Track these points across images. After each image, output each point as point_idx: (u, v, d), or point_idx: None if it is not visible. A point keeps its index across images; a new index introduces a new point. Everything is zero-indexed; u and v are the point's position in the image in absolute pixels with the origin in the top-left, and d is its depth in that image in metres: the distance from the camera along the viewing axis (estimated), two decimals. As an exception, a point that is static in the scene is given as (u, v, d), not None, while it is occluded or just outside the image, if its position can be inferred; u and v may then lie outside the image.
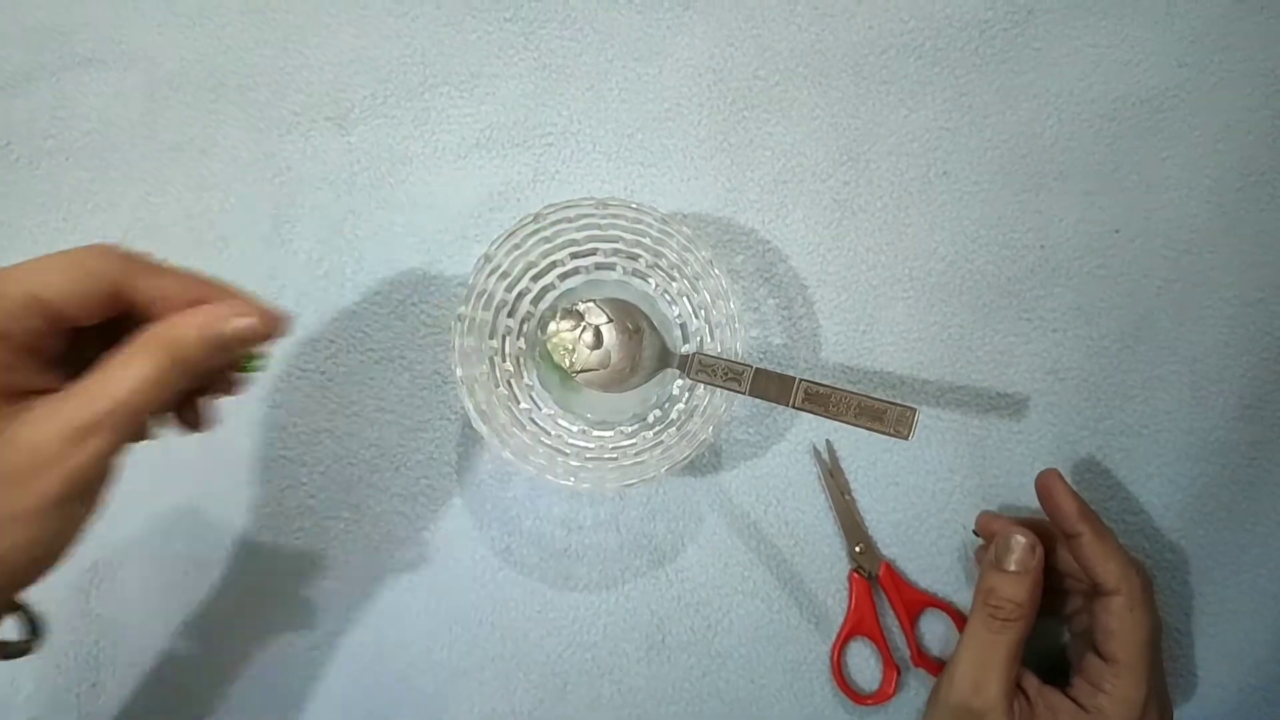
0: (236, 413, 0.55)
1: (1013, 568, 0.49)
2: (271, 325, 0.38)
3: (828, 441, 0.55)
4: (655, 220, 0.48)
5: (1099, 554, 0.48)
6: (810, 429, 0.55)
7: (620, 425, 0.53)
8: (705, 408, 0.50)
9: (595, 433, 0.52)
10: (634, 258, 0.51)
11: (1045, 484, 0.50)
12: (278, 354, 0.55)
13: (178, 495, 0.55)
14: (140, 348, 0.36)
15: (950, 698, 0.48)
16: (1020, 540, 0.49)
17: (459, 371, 0.48)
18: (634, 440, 0.52)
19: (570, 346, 0.49)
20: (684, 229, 0.48)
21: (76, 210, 0.56)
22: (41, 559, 0.36)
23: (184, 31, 0.56)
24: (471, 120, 0.56)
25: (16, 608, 0.40)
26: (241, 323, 0.38)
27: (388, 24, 0.56)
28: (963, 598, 0.55)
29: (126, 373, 0.35)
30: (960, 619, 0.54)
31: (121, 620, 0.55)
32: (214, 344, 0.37)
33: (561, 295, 0.52)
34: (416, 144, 0.56)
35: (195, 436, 0.54)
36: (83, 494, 0.36)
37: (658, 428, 0.52)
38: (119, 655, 0.54)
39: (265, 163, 0.56)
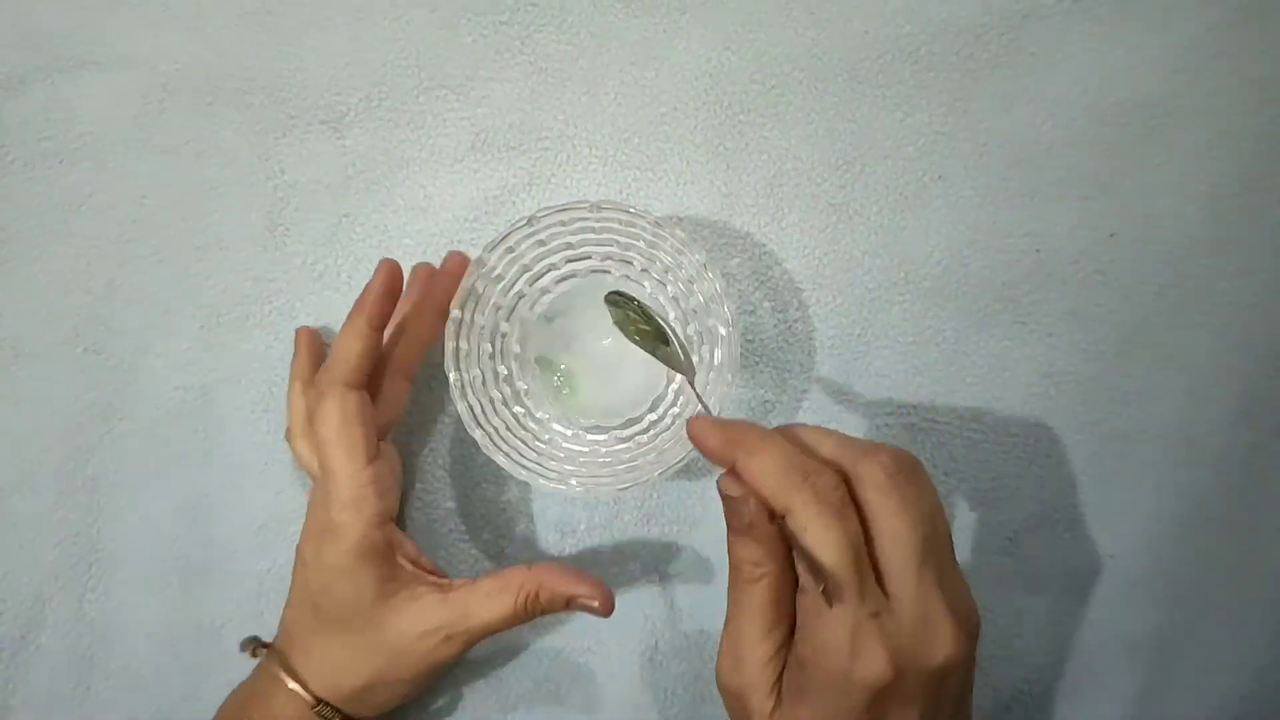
0: (232, 417, 0.55)
1: (733, 524, 0.41)
2: (606, 609, 0.48)
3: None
4: (649, 224, 0.48)
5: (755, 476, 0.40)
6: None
7: (614, 429, 0.52)
8: (699, 410, 0.50)
9: (589, 436, 0.52)
10: (628, 261, 0.51)
11: (691, 434, 0.42)
12: (275, 357, 0.55)
13: (173, 499, 0.55)
14: (509, 587, 0.48)
15: (719, 680, 0.42)
16: (727, 495, 0.41)
17: (452, 376, 0.48)
18: (628, 444, 0.51)
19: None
20: (678, 232, 0.48)
21: (72, 213, 0.56)
22: (404, 703, 0.50)
23: (180, 34, 0.56)
24: (467, 124, 0.56)
25: None
26: (589, 602, 0.48)
27: (383, 28, 0.56)
28: (958, 603, 0.55)
29: (493, 605, 0.47)
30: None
31: (116, 623, 0.54)
32: (562, 606, 0.48)
33: (562, 299, 0.52)
34: (412, 147, 0.56)
35: (196, 443, 0.55)
36: (436, 674, 0.49)
37: (652, 431, 0.51)
38: (113, 658, 0.54)
39: (261, 166, 0.56)
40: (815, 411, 0.55)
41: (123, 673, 0.54)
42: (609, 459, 0.51)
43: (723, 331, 0.49)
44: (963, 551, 0.55)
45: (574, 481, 0.48)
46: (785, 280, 0.56)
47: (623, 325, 0.48)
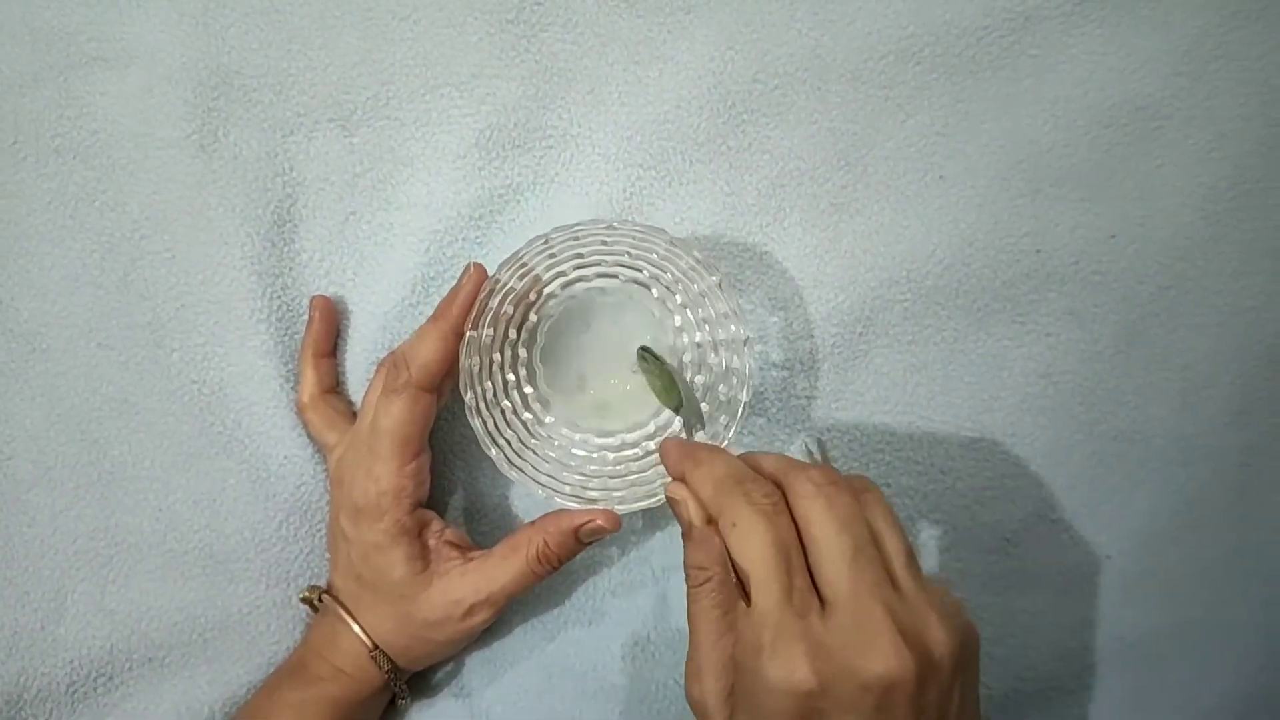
0: (249, 412, 0.56)
1: (682, 528, 0.43)
2: (613, 523, 0.50)
3: (819, 440, 0.56)
4: (663, 244, 0.49)
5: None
6: (801, 428, 0.56)
7: (622, 434, 0.53)
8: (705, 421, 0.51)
9: (596, 441, 0.53)
10: (637, 269, 0.52)
11: (660, 452, 0.46)
12: (282, 357, 0.56)
13: (193, 492, 0.56)
14: (518, 547, 0.51)
15: (686, 691, 0.41)
16: (671, 498, 0.43)
17: (467, 395, 0.49)
18: (636, 449, 0.52)
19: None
20: (695, 253, 0.49)
21: (83, 209, 0.57)
22: (443, 660, 0.56)
23: (189, 32, 0.57)
24: (472, 122, 0.57)
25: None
26: (595, 523, 0.50)
27: (391, 27, 0.57)
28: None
29: (508, 568, 0.51)
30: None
31: (138, 614, 0.56)
32: (574, 543, 0.50)
33: (564, 302, 0.53)
34: (418, 145, 0.57)
35: (213, 436, 0.55)
36: (469, 636, 0.53)
37: (659, 437, 0.52)
38: (135, 649, 0.55)
39: (268, 163, 0.57)
40: (816, 410, 0.56)
41: (146, 663, 0.55)
42: (620, 466, 0.52)
43: (735, 348, 0.50)
44: (959, 551, 0.56)
45: (585, 497, 0.50)
46: (786, 279, 0.56)
47: (649, 380, 0.52)
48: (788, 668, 0.37)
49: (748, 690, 0.38)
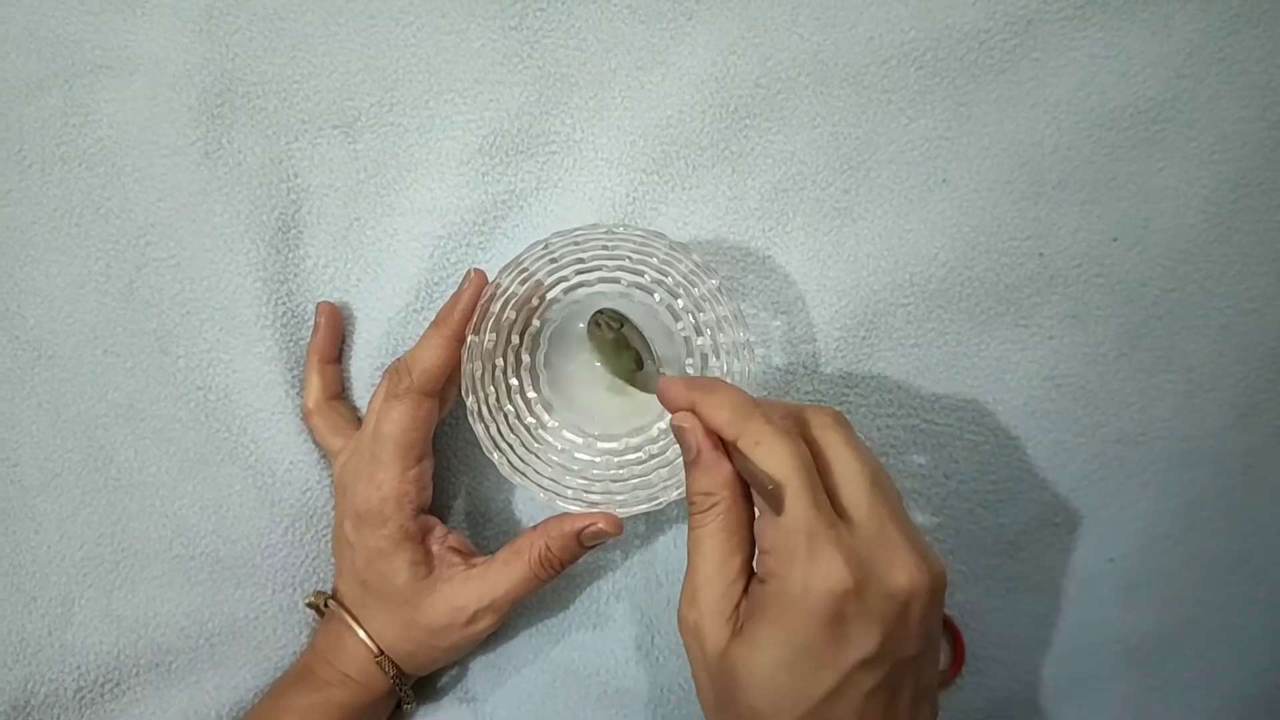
0: (254, 418, 0.56)
1: (686, 458, 0.44)
2: (615, 527, 0.50)
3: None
4: (664, 248, 0.49)
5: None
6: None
7: (626, 437, 0.54)
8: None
9: (600, 445, 0.53)
10: (639, 273, 0.52)
11: (659, 390, 0.45)
12: (288, 363, 0.56)
13: (200, 498, 0.56)
14: (520, 552, 0.51)
15: (679, 622, 0.43)
16: (678, 427, 0.44)
17: (469, 401, 0.50)
18: (639, 453, 0.52)
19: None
20: (695, 256, 0.49)
21: (89, 216, 0.57)
22: (448, 665, 0.56)
23: (194, 39, 0.57)
24: (475, 127, 0.57)
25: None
26: (597, 527, 0.50)
27: (395, 33, 0.57)
28: (955, 602, 0.56)
29: (511, 573, 0.51)
30: (952, 624, 0.55)
31: (143, 621, 0.56)
32: (576, 546, 0.50)
33: (567, 307, 0.53)
34: (421, 151, 0.57)
35: (219, 442, 0.56)
36: (474, 643, 0.53)
37: (661, 441, 0.52)
38: (142, 654, 0.56)
39: (273, 169, 0.57)
40: (818, 413, 0.56)
41: (153, 669, 0.56)
42: (622, 470, 0.52)
43: (737, 353, 0.50)
44: (963, 554, 0.56)
45: (587, 501, 0.50)
46: (789, 283, 0.56)
47: (602, 349, 0.51)
48: (827, 567, 0.38)
49: (777, 598, 0.39)
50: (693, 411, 0.43)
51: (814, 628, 0.38)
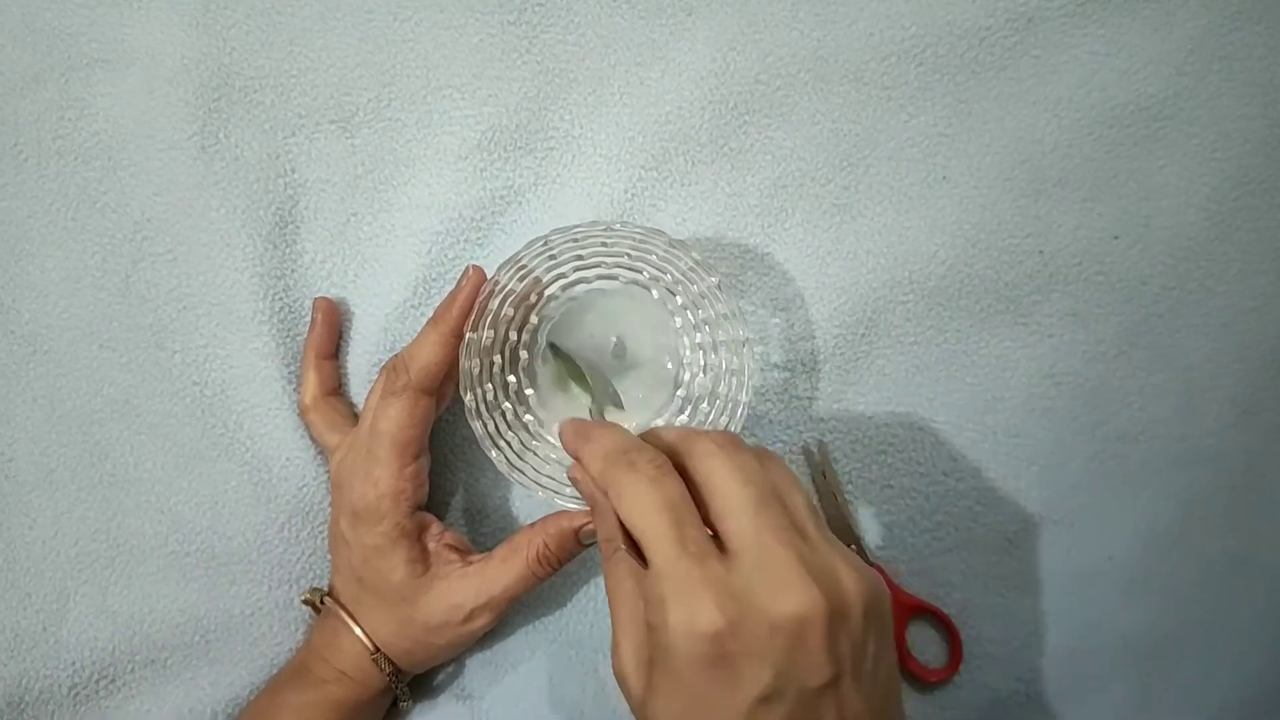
0: (250, 414, 0.56)
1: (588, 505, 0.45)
2: None
3: (820, 442, 0.56)
4: (662, 245, 0.49)
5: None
6: (803, 429, 0.56)
7: None
8: (708, 423, 0.51)
9: None
10: (637, 270, 0.52)
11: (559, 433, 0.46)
12: (284, 359, 0.56)
13: (195, 494, 0.56)
14: (518, 549, 0.50)
15: (611, 666, 0.42)
16: (570, 478, 0.45)
17: (467, 398, 0.49)
18: None
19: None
20: (693, 254, 0.49)
21: (85, 210, 0.57)
22: (444, 663, 0.56)
23: (190, 33, 0.57)
24: (474, 123, 0.57)
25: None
26: (590, 527, 0.49)
27: (392, 28, 0.57)
28: (953, 599, 0.56)
29: (508, 571, 0.50)
30: (952, 624, 0.55)
31: (138, 618, 0.55)
32: (574, 543, 0.50)
33: (565, 304, 0.53)
34: (419, 146, 0.57)
35: (215, 438, 0.55)
36: (471, 640, 0.53)
37: None
38: (137, 650, 0.55)
39: (270, 164, 0.57)
40: (817, 411, 0.56)
41: (148, 665, 0.55)
42: None
43: (735, 349, 0.50)
44: (962, 552, 0.56)
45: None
46: (789, 280, 0.56)
47: (561, 371, 0.52)
48: (690, 610, 0.37)
49: (661, 649, 0.38)
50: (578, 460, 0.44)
51: (697, 673, 0.37)
